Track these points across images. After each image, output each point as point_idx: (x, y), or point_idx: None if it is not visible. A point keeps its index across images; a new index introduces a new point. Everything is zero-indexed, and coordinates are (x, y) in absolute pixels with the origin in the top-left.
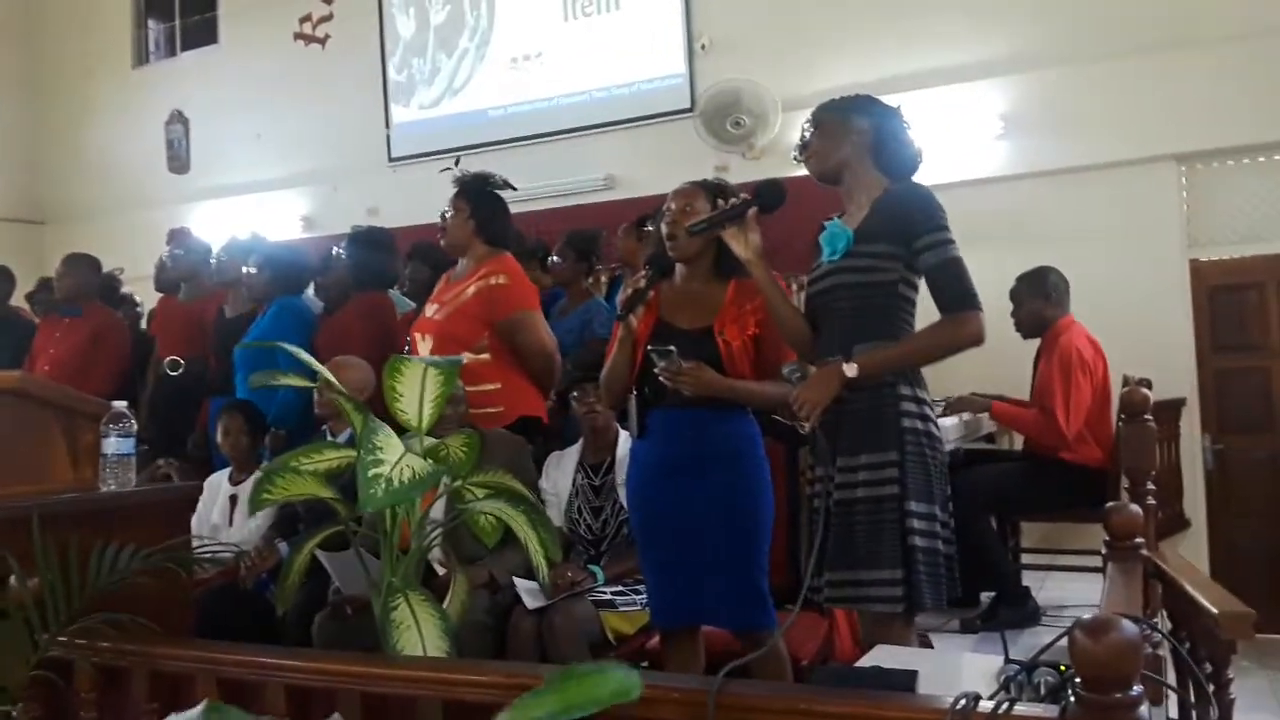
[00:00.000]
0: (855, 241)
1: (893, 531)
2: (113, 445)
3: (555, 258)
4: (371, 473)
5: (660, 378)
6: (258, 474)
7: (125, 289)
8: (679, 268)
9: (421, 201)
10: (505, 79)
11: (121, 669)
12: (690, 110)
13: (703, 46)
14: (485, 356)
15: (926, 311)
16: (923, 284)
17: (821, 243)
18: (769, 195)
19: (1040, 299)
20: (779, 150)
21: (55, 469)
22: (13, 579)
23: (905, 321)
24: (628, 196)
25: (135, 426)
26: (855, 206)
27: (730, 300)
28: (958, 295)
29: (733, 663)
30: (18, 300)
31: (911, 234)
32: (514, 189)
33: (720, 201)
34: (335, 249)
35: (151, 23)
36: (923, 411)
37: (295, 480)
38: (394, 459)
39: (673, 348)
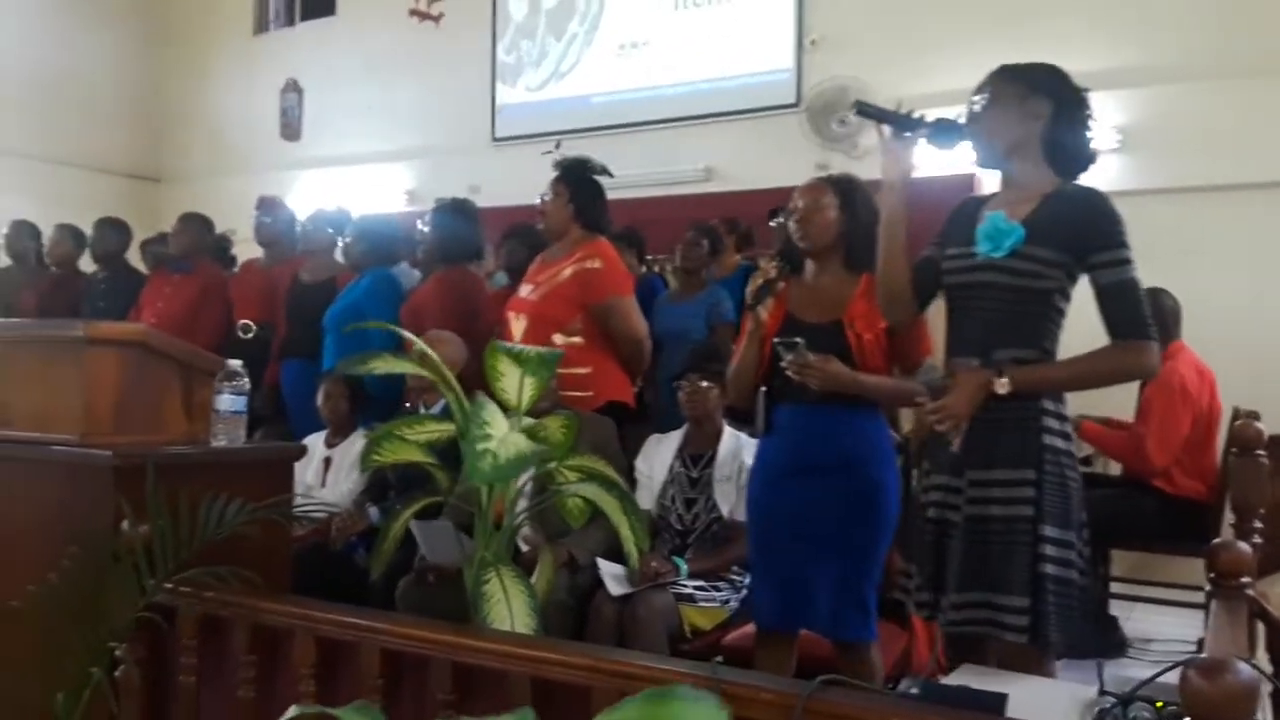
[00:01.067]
0: (1021, 240)
1: (1024, 556)
2: (226, 402)
3: (689, 245)
4: (481, 446)
5: (787, 371)
6: (365, 437)
7: (234, 250)
8: (809, 263)
9: (522, 182)
10: (611, 66)
11: (223, 619)
12: (795, 106)
13: (812, 42)
14: (577, 340)
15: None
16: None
17: (979, 234)
18: (944, 132)
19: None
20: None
21: (170, 421)
22: (125, 524)
23: (1051, 333)
24: (726, 190)
25: (248, 385)
26: (1016, 199)
27: (861, 293)
28: (1134, 321)
29: (829, 674)
30: (132, 253)
31: (1089, 246)
32: (612, 175)
33: (848, 197)
34: (420, 222)
35: None
36: (1064, 429)
37: (401, 446)
38: (500, 435)
39: (799, 340)
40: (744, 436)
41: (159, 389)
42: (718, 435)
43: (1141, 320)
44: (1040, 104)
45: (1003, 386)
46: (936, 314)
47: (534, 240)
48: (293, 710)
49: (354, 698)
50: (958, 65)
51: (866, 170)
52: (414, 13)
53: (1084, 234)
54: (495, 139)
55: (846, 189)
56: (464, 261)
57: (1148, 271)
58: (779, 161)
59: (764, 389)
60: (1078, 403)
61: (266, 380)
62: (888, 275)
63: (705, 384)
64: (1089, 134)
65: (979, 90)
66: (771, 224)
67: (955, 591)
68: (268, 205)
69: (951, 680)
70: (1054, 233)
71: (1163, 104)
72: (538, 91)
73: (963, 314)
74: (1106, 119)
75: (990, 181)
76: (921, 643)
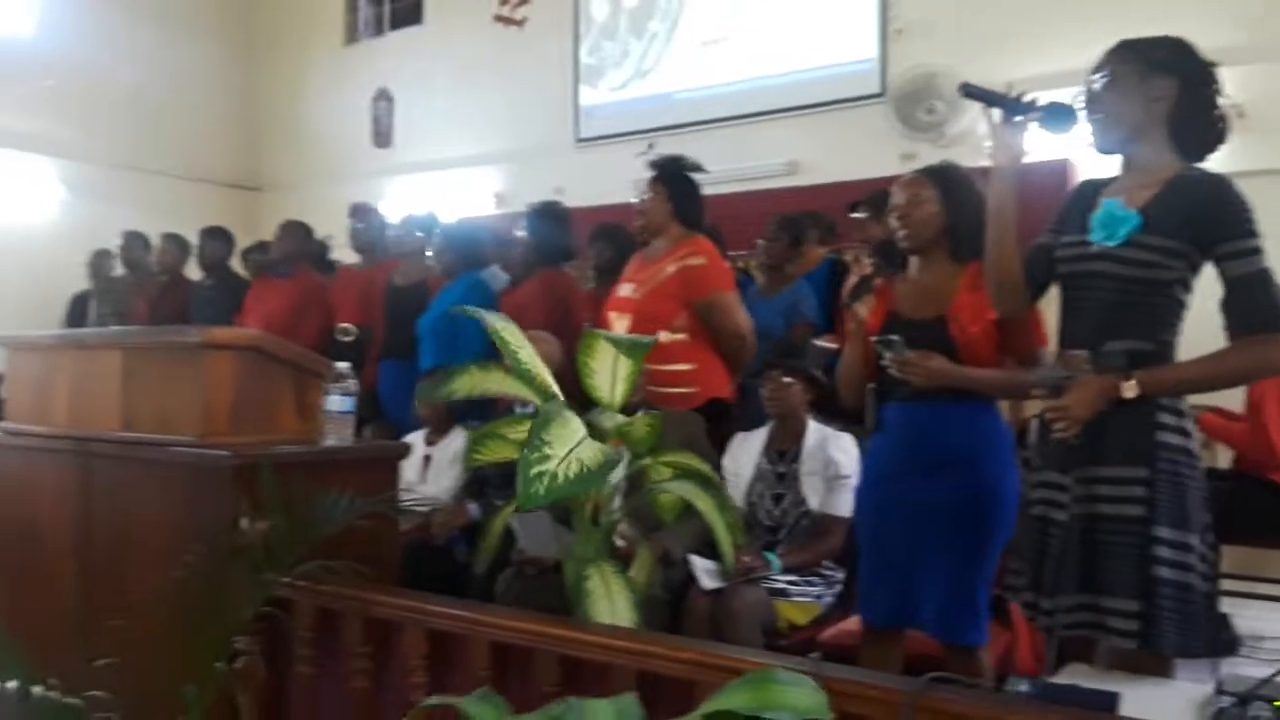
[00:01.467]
0: (1137, 229)
1: (1133, 558)
2: (335, 403)
3: (767, 240)
4: (534, 470)
5: (889, 369)
6: (467, 435)
7: (333, 255)
8: (912, 260)
9: (606, 182)
10: (692, 62)
11: (338, 611)
12: (880, 96)
13: (897, 30)
14: (682, 336)
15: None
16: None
17: (1094, 221)
18: (1057, 115)
19: None
20: (972, 139)
21: (283, 421)
22: (244, 521)
23: (1170, 325)
24: (809, 183)
25: (356, 386)
26: (1136, 184)
27: (967, 285)
28: (1267, 314)
29: (937, 672)
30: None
31: (1215, 236)
32: (705, 171)
33: (948, 188)
34: (516, 227)
35: (362, 3)
36: (1182, 425)
37: (500, 445)
38: (563, 452)
39: (897, 337)
40: (830, 430)
41: (272, 391)
42: (803, 430)
43: (1276, 313)
44: (1164, 83)
45: (1130, 390)
46: (1051, 304)
47: (620, 240)
48: (433, 698)
49: (463, 689)
50: (1055, 48)
51: (955, 158)
52: (499, 18)
53: (1209, 223)
54: (579, 140)
55: (946, 179)
56: (558, 263)
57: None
58: (863, 153)
59: (872, 386)
60: (1214, 397)
61: (364, 382)
62: (998, 265)
63: (786, 380)
64: (1217, 113)
65: (1097, 69)
66: (852, 216)
67: (1061, 594)
68: (361, 212)
69: (1060, 680)
70: (1176, 221)
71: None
72: (620, 91)
73: (1076, 304)
74: (1224, 97)
75: (1086, 167)
76: (1024, 642)
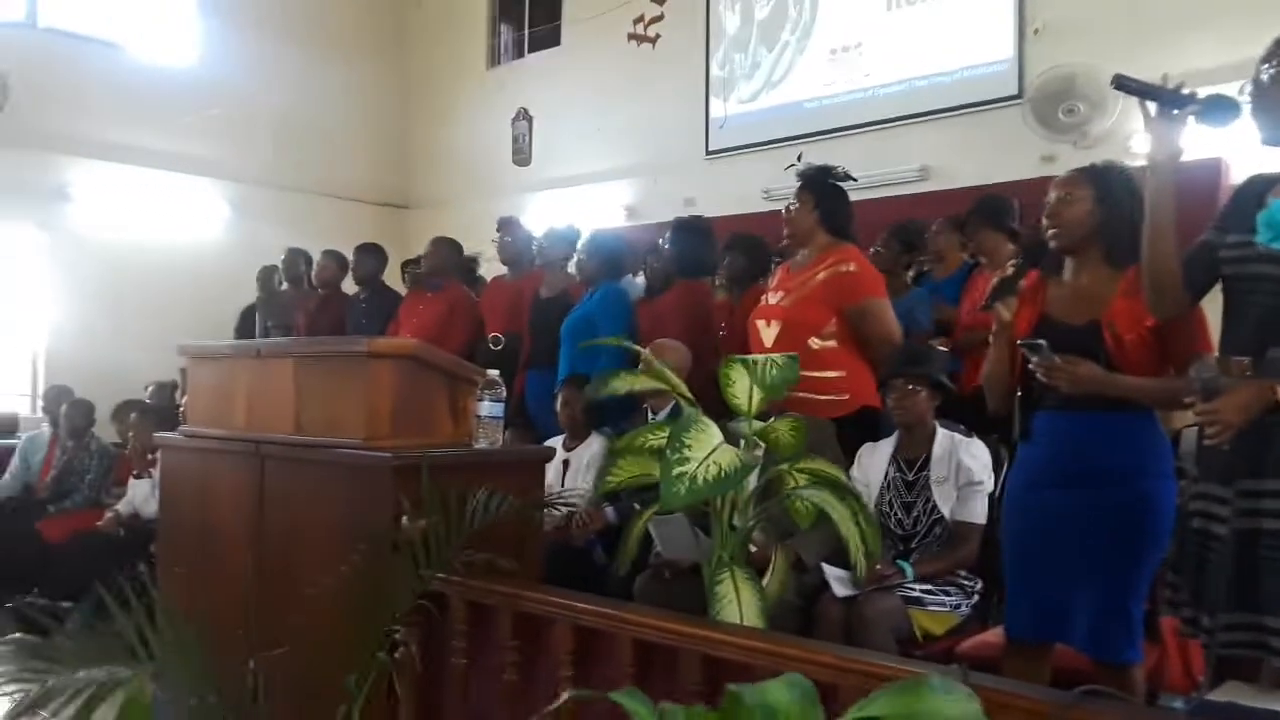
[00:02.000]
0: None
1: None
2: (486, 408)
3: (879, 248)
4: (675, 471)
5: (1036, 374)
6: (603, 454)
7: (481, 270)
8: (1068, 261)
9: (735, 192)
10: (823, 71)
11: (489, 606)
12: (1017, 98)
13: (1035, 30)
14: (832, 343)
15: None
16: None
17: (1260, 221)
18: (1218, 108)
19: None
20: (1116, 139)
21: (438, 425)
22: (405, 519)
23: None
24: (942, 188)
25: (505, 393)
26: None
27: (1124, 290)
28: None
29: (1088, 685)
30: (390, 274)
31: None
32: (855, 180)
33: (1106, 188)
34: (660, 240)
35: (503, 28)
36: None
37: (634, 462)
38: (702, 455)
39: (1042, 341)
40: (958, 436)
41: (429, 397)
42: (931, 438)
43: None
44: None
45: None
46: (1215, 309)
47: (754, 250)
48: (568, 693)
49: (607, 684)
50: (1197, 42)
51: (1098, 159)
52: (632, 37)
53: None
54: (709, 152)
55: (1105, 179)
56: (700, 276)
57: None
58: (1000, 156)
59: (1019, 393)
60: None
61: (512, 390)
62: (1154, 265)
63: (912, 388)
64: None
65: (1266, 58)
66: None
67: (1222, 611)
68: (507, 226)
69: (1216, 698)
70: None
71: None
72: (750, 103)
73: (1240, 308)
74: None
75: (1241, 165)
76: (1174, 658)
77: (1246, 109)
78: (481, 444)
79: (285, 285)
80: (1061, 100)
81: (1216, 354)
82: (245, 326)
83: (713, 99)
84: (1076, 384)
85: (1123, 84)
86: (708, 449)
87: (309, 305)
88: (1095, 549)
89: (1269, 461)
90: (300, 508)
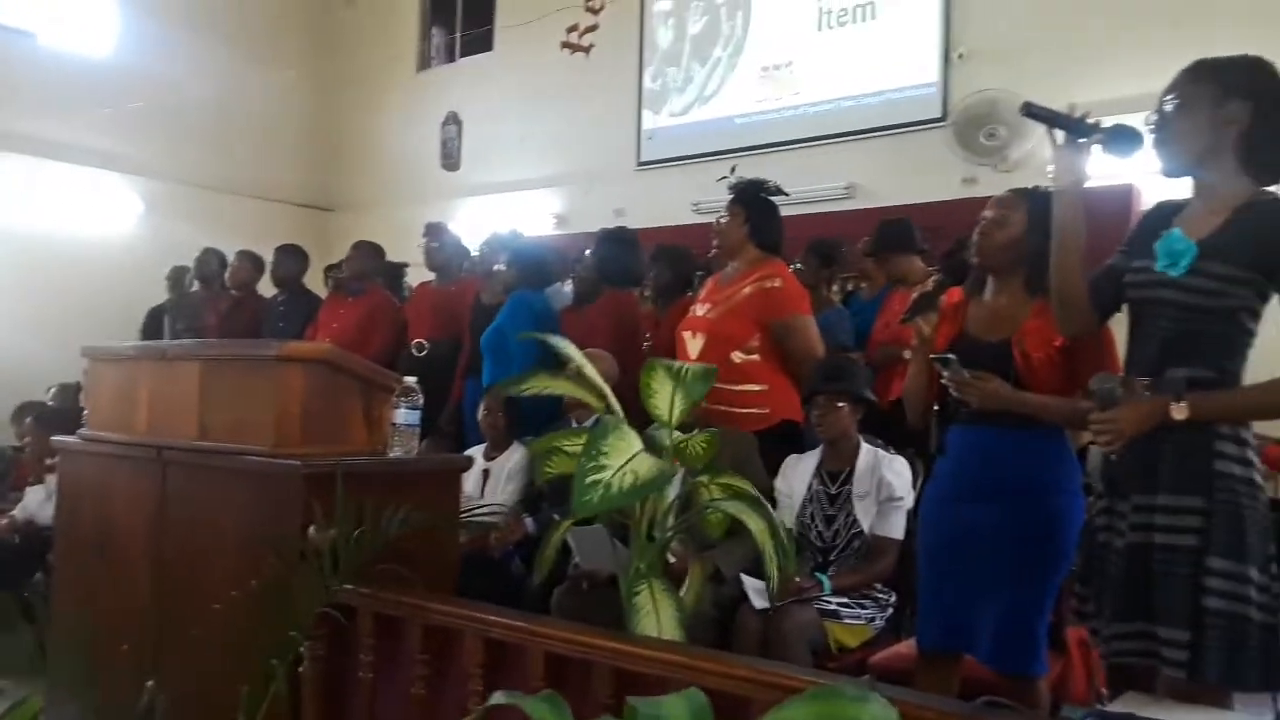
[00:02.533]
0: (1201, 257)
1: (1185, 587)
2: (402, 416)
3: (798, 264)
4: (589, 479)
5: (948, 389)
6: (524, 450)
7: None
8: (989, 281)
9: (666, 204)
10: (754, 87)
11: (398, 619)
12: (941, 120)
13: (960, 55)
14: (755, 357)
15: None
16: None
17: (1158, 249)
18: (1121, 138)
19: None
20: (1034, 164)
21: (352, 433)
22: (313, 528)
23: (1235, 352)
24: (868, 206)
25: (421, 400)
26: (1206, 209)
27: (1036, 311)
28: None
29: (989, 696)
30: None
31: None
32: (786, 195)
33: (1041, 215)
34: (586, 250)
35: (435, 31)
36: (1243, 454)
37: (565, 460)
38: (618, 463)
39: (953, 356)
40: (882, 452)
41: (342, 403)
42: (854, 452)
43: None
44: (1237, 108)
45: (1180, 412)
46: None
47: (679, 263)
48: (498, 697)
49: None
50: (1119, 73)
51: (1017, 184)
52: (566, 45)
53: (1276, 251)
54: (640, 164)
55: (1040, 206)
56: (627, 286)
57: None
58: (924, 177)
59: (936, 408)
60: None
61: (453, 397)
62: (1060, 283)
63: (837, 404)
64: None
65: (1169, 90)
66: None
67: (1117, 621)
68: (435, 231)
69: (1115, 709)
70: (1243, 249)
71: None
72: (681, 116)
73: (1142, 330)
74: None
75: (1152, 191)
76: (1079, 669)
77: (1150, 139)
78: (396, 453)
79: (197, 286)
80: (983, 124)
81: (1122, 374)
82: (153, 327)
83: (645, 111)
84: (985, 399)
85: (1031, 111)
86: (625, 457)
87: (221, 307)
88: (1004, 563)
89: (1163, 478)
90: (204, 516)
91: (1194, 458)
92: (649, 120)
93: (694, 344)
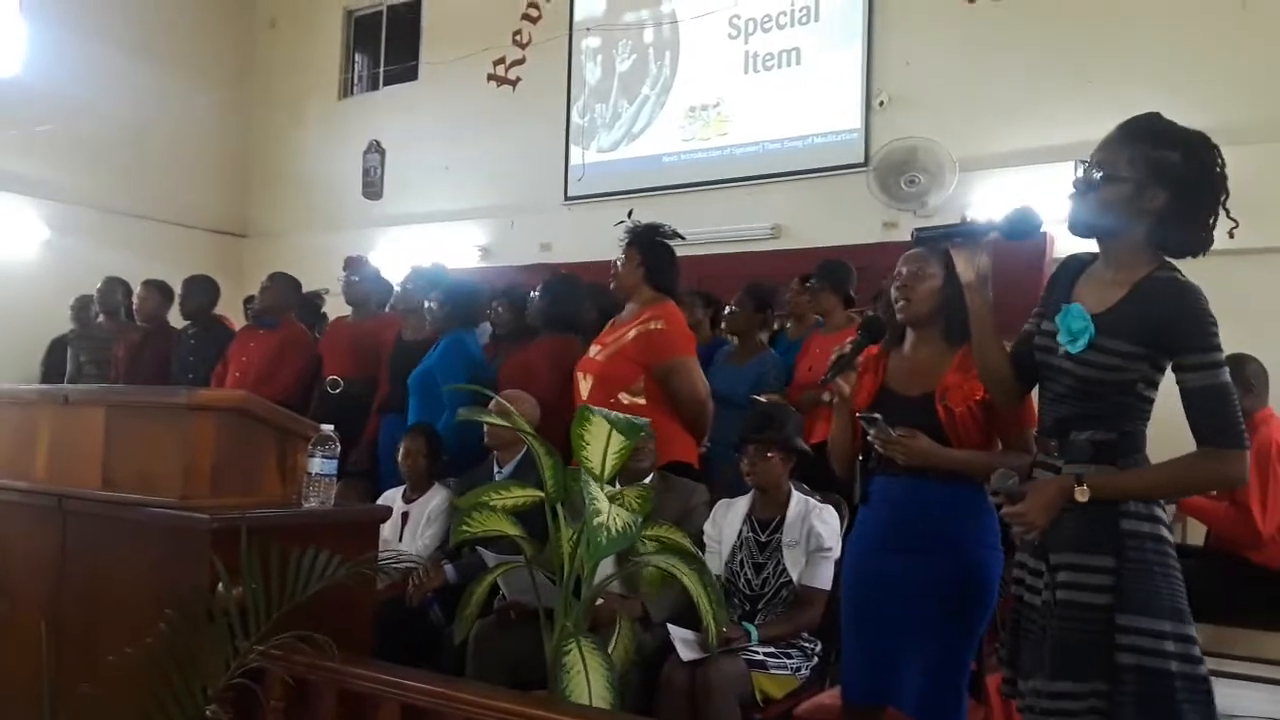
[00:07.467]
0: (1099, 333)
1: (1099, 645)
2: (318, 465)
3: (733, 307)
4: (597, 521)
5: (875, 446)
6: (446, 493)
7: (325, 309)
8: (909, 335)
9: (593, 240)
10: (682, 127)
11: (312, 683)
12: (863, 165)
13: (881, 103)
14: (640, 400)
15: None
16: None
17: (1059, 323)
18: (1019, 224)
19: (1239, 389)
20: (953, 210)
21: (265, 483)
22: (220, 586)
23: (1136, 417)
24: (793, 247)
25: (339, 449)
26: (1110, 276)
27: (956, 365)
28: (1224, 428)
29: None
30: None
31: (1176, 347)
32: (683, 239)
33: (953, 267)
34: (532, 292)
35: (358, 58)
36: (1151, 513)
37: (489, 517)
38: (605, 509)
39: (878, 415)
40: (813, 501)
41: (256, 452)
42: (785, 500)
43: (1233, 428)
44: (1156, 196)
45: (1082, 495)
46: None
47: (604, 301)
48: None
49: None
50: (1028, 125)
51: None
52: (492, 78)
53: (1171, 333)
54: (567, 198)
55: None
56: (568, 332)
57: (1234, 335)
58: (846, 220)
59: (860, 460)
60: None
61: (366, 435)
62: (988, 372)
63: (768, 455)
64: (1209, 228)
65: (1099, 156)
66: (806, 286)
67: (1035, 677)
68: (355, 265)
69: None
70: (1139, 326)
71: (1248, 164)
72: (610, 153)
73: (1049, 390)
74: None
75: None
76: (998, 716)
77: (1069, 194)
78: (312, 503)
79: (101, 318)
80: (903, 171)
81: (1035, 431)
82: (54, 359)
83: (573, 146)
84: (911, 457)
85: (922, 237)
86: (606, 505)
87: (131, 339)
88: (924, 616)
89: (1072, 539)
90: (106, 570)
91: (1102, 519)
92: (577, 155)
93: (585, 385)
